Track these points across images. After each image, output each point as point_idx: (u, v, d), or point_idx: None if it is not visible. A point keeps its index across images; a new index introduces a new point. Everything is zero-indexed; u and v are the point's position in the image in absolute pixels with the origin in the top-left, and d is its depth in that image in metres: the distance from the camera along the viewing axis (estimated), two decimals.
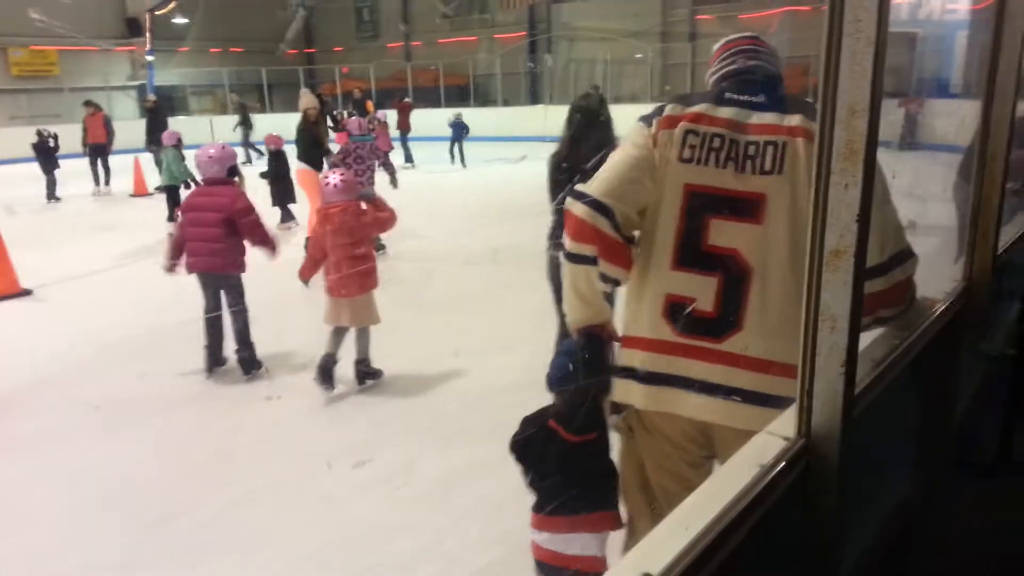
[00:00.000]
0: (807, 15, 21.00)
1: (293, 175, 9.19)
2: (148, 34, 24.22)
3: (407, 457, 3.87)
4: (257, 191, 9.67)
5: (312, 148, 8.46)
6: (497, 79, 26.27)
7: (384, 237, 8.38)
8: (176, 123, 15.65)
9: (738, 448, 1.34)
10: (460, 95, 25.91)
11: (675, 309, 1.87)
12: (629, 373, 1.95)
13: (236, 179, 5.24)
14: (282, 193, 9.70)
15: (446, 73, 26.08)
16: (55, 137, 13.43)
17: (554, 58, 26.00)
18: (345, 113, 16.49)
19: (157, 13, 24.97)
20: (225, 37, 27.96)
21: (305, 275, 4.79)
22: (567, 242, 1.94)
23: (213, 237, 4.89)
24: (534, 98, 26.09)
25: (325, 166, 8.11)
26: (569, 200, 1.91)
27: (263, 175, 9.72)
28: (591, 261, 1.91)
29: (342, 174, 4.84)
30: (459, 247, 5.62)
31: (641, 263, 1.94)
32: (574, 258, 1.94)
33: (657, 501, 2.02)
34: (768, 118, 1.86)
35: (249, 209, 4.98)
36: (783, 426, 1.39)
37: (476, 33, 27.58)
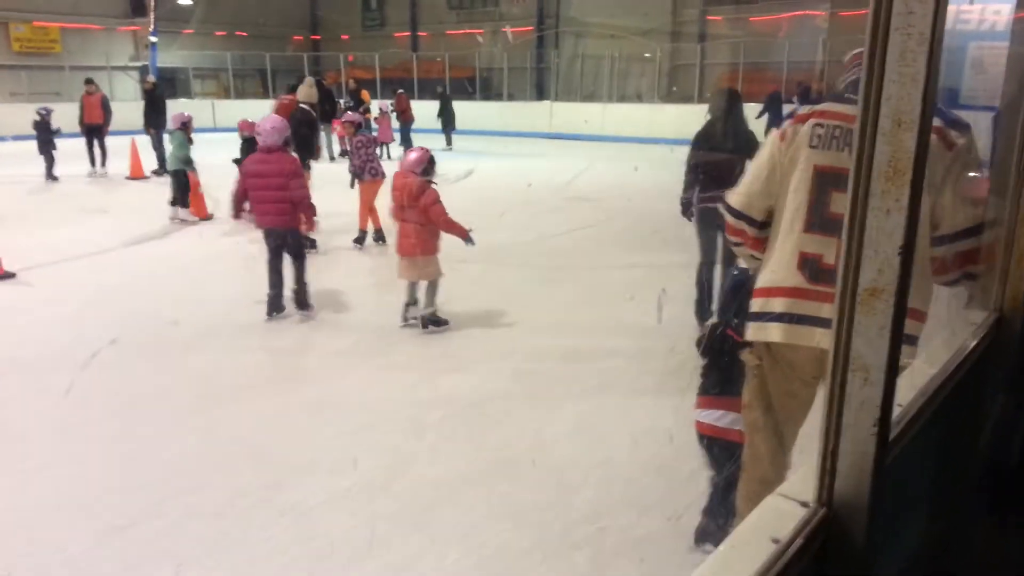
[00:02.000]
0: (820, 19, 20.83)
1: None
2: (152, 14, 23.89)
3: (387, 469, 3.67)
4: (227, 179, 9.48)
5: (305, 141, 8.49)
6: (503, 73, 26.00)
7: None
8: (178, 106, 15.39)
9: None
10: (467, 87, 25.66)
11: (807, 263, 2.35)
12: (766, 317, 2.41)
13: (290, 148, 6.01)
14: None
15: (452, 65, 25.82)
16: (49, 113, 13.17)
17: (560, 53, 25.74)
18: (341, 103, 16.27)
19: None
20: (230, 21, 27.72)
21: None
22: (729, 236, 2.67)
23: (279, 198, 5.65)
24: (540, 93, 25.84)
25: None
26: (722, 207, 2.61)
27: (235, 161, 9.38)
28: (742, 245, 2.63)
29: (421, 149, 5.67)
30: (456, 244, 5.44)
31: (777, 228, 2.44)
32: (734, 244, 2.68)
33: (778, 416, 2.48)
34: None
35: (301, 174, 5.87)
36: (800, 486, 1.19)
37: (483, 25, 27.31)
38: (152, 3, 23.76)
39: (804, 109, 2.40)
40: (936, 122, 2.15)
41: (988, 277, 2.14)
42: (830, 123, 2.32)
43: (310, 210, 5.86)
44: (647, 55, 23.63)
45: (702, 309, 5.46)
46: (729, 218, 2.57)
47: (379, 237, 8.36)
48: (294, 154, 6.25)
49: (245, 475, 3.61)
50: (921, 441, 1.66)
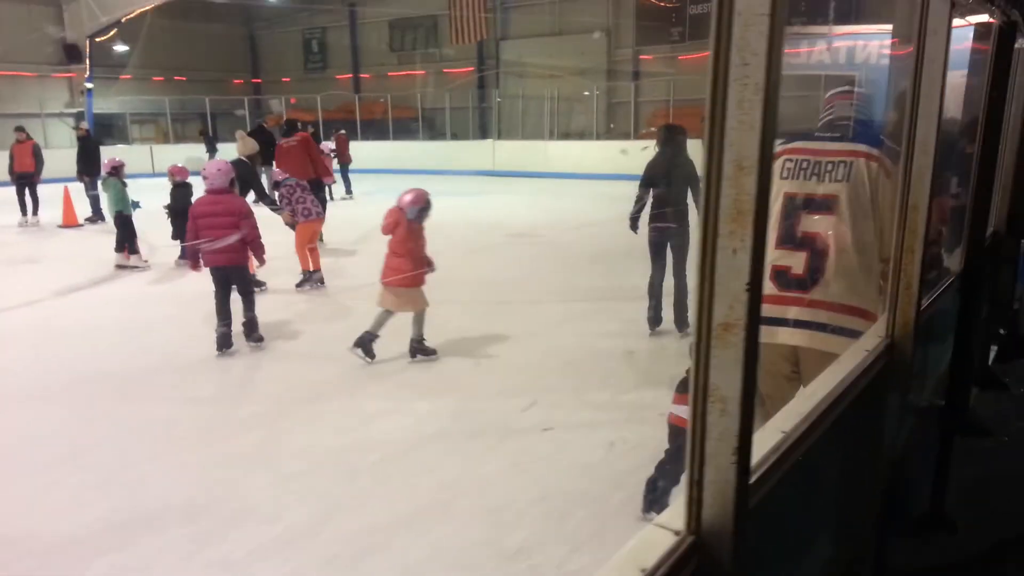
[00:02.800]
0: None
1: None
2: (87, 61, 23.59)
3: (319, 516, 3.62)
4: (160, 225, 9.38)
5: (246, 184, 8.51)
6: (446, 113, 26.25)
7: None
8: (115, 152, 15.16)
9: (817, 365, 2.20)
10: (408, 128, 25.84)
11: (779, 274, 2.75)
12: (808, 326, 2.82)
13: (235, 190, 6.32)
14: (184, 227, 9.22)
15: (394, 106, 25.99)
16: None
17: (502, 93, 26.14)
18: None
19: (97, 40, 24.39)
20: (168, 66, 27.49)
21: None
22: None
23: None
24: (483, 132, 26.13)
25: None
26: None
27: (167, 207, 9.28)
28: None
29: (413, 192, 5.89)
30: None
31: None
32: None
33: (764, 404, 2.80)
34: (841, 146, 2.82)
35: (252, 214, 6.12)
36: (674, 516, 1.23)
37: (425, 67, 27.59)
38: (87, 49, 23.47)
39: (777, 147, 2.71)
40: (872, 150, 2.77)
41: (880, 305, 2.23)
42: (799, 157, 2.82)
43: (261, 249, 6.14)
44: (586, 93, 24.14)
45: (656, 316, 6.32)
46: None
47: (318, 278, 8.35)
48: None
49: (172, 530, 3.53)
50: (817, 459, 1.72)
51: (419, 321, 5.85)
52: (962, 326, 3.15)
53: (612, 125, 23.90)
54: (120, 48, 26.30)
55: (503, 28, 26.36)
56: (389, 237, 5.79)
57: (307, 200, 8.32)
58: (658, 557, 1.11)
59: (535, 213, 14.60)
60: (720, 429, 1.14)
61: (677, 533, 1.19)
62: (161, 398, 5.25)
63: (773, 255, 2.74)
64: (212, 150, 22.00)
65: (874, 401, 2.19)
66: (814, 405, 1.75)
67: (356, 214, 14.13)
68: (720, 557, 1.16)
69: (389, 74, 28.06)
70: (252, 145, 10.88)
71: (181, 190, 9.07)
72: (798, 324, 2.77)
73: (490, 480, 4.00)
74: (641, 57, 24.51)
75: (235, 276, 6.11)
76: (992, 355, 5.36)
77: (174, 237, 9.22)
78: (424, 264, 5.78)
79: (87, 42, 24.79)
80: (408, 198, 5.80)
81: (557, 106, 24.39)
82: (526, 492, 3.84)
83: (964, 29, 3.67)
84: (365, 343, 5.74)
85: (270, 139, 13.59)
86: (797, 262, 2.68)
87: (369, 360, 5.76)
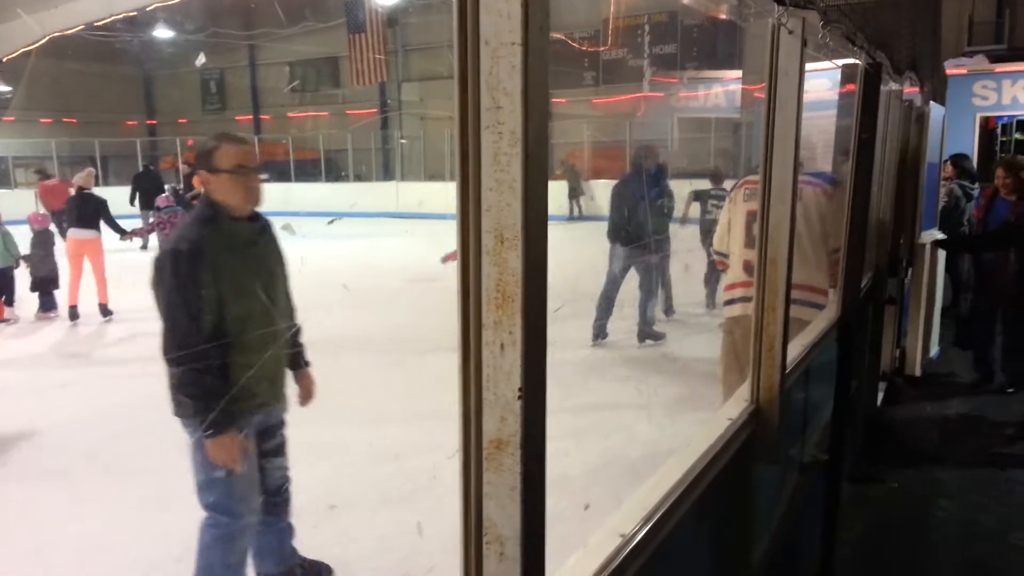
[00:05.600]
0: (660, 100, 22.13)
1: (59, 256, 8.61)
2: None
3: None
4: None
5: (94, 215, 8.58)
6: (348, 154, 25.87)
7: None
8: None
9: None
10: (311, 169, 25.32)
11: (747, 266, 3.57)
12: (730, 301, 3.83)
13: None
14: (45, 279, 8.63)
15: (296, 147, 25.45)
16: None
17: (405, 134, 26.00)
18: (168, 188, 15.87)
19: None
20: (57, 107, 26.22)
21: None
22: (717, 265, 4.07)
23: None
24: (386, 174, 25.85)
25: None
26: (711, 249, 4.16)
27: (25, 258, 8.63)
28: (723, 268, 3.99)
29: None
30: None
31: (732, 250, 3.82)
32: (720, 268, 4.13)
33: (740, 361, 3.35)
34: (804, 178, 3.46)
35: None
36: None
37: (326, 108, 27.19)
38: None
39: (741, 180, 4.00)
40: (817, 181, 3.70)
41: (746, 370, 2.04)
42: (752, 187, 3.59)
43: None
44: None
45: (600, 327, 6.84)
46: (715, 256, 4.02)
47: None
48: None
49: None
50: (680, 538, 1.49)
51: None
52: (841, 375, 3.02)
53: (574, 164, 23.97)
54: (2, 88, 24.93)
55: (405, 70, 26.31)
56: None
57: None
58: None
59: (437, 256, 14.32)
60: None
61: None
62: None
63: (742, 252, 3.72)
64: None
65: (742, 470, 1.98)
66: (664, 493, 1.51)
67: None
68: None
69: (290, 115, 27.54)
70: (91, 178, 10.75)
71: (43, 238, 8.44)
72: None
73: (359, 559, 3.63)
74: (554, 100, 24.87)
75: None
76: (880, 397, 5.34)
77: (33, 290, 8.60)
78: None
79: None
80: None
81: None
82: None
83: (833, 72, 3.63)
84: None
85: (157, 183, 13.28)
86: (754, 255, 3.14)
87: None
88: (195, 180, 15.67)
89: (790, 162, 1.90)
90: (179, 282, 2.44)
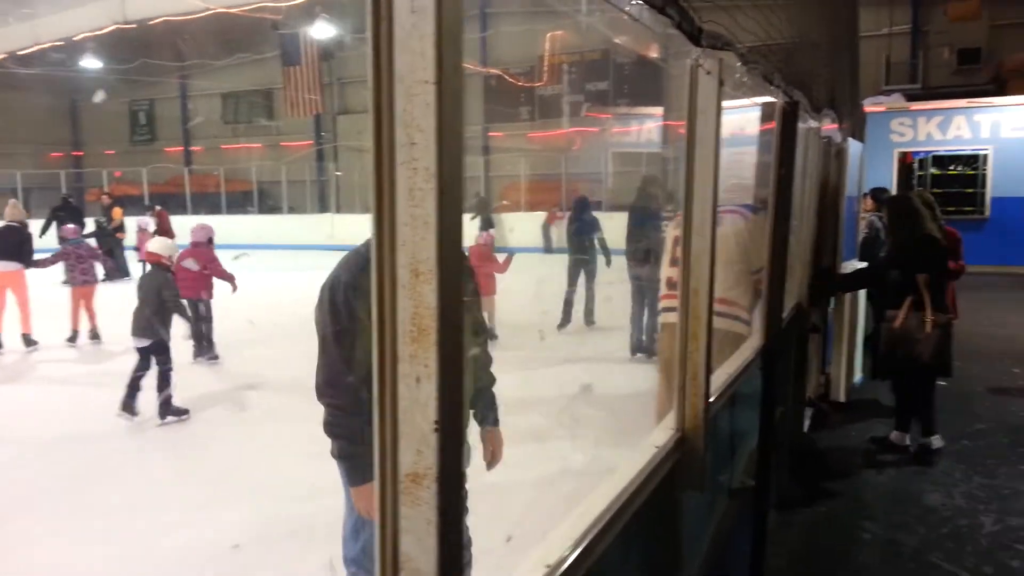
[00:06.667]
0: (594, 135, 22.57)
1: None
2: None
3: None
4: None
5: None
6: (282, 186, 25.58)
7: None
8: None
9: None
10: (244, 201, 24.92)
11: (670, 282, 4.16)
12: (664, 311, 4.33)
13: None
14: None
15: (228, 179, 25.04)
16: None
17: (340, 166, 25.88)
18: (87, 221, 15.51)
19: None
20: None
21: None
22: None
23: None
24: (322, 206, 25.63)
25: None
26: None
27: None
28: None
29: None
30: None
31: (662, 267, 4.40)
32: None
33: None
34: (727, 208, 4.02)
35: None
36: None
37: (260, 140, 26.89)
38: None
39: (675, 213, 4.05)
40: (746, 211, 4.10)
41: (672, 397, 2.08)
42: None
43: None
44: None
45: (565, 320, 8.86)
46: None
47: (94, 335, 9.04)
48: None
49: None
50: (612, 569, 1.50)
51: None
52: (765, 401, 3.10)
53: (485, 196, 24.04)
54: None
55: (341, 102, 26.25)
56: None
57: (88, 264, 9.12)
58: None
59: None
60: None
61: None
62: None
63: (668, 271, 4.20)
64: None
65: (669, 497, 2.01)
66: (590, 522, 1.52)
67: None
68: None
69: (223, 147, 27.12)
70: (21, 212, 11.26)
71: None
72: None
73: None
74: (489, 134, 25.15)
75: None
76: (807, 424, 5.48)
77: None
78: None
79: None
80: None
81: None
82: None
83: (752, 110, 3.76)
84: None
85: (77, 215, 13.07)
86: (676, 273, 3.76)
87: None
88: (115, 211, 15.33)
89: (709, 197, 1.96)
90: (334, 313, 2.22)
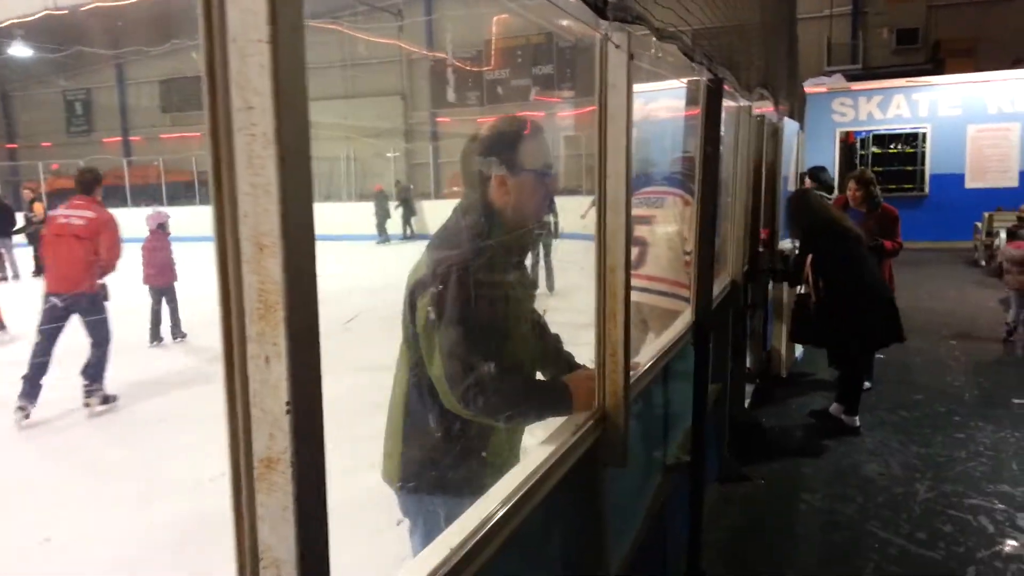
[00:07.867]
0: (543, 119, 22.52)
1: None
2: None
3: None
4: None
5: None
6: None
7: None
8: None
9: (650, 311, 4.08)
10: (185, 191, 24.36)
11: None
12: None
13: None
14: None
15: (168, 170, 24.46)
16: None
17: None
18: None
19: None
20: None
21: None
22: None
23: None
24: None
25: None
26: None
27: None
28: None
29: None
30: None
31: None
32: None
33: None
34: (659, 188, 4.29)
35: None
36: None
37: (200, 128, 26.27)
38: None
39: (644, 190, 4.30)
40: (679, 191, 4.14)
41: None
42: (641, 197, 4.23)
43: None
44: (389, 154, 24.12)
45: None
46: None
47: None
48: None
49: None
50: (529, 546, 1.47)
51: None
52: (697, 379, 3.10)
53: (412, 186, 23.80)
54: None
55: None
56: None
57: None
58: None
59: (324, 281, 14.00)
60: None
61: None
62: None
63: None
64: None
65: (590, 475, 1.99)
66: (498, 503, 1.49)
67: None
68: None
69: (162, 136, 26.46)
70: None
71: None
72: (638, 290, 3.88)
73: None
74: (438, 120, 24.97)
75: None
76: (749, 400, 5.55)
77: None
78: None
79: None
80: None
81: (353, 167, 24.13)
82: None
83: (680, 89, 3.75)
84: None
85: (7, 213, 12.82)
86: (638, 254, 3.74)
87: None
88: (36, 207, 15.01)
89: (623, 173, 1.93)
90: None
